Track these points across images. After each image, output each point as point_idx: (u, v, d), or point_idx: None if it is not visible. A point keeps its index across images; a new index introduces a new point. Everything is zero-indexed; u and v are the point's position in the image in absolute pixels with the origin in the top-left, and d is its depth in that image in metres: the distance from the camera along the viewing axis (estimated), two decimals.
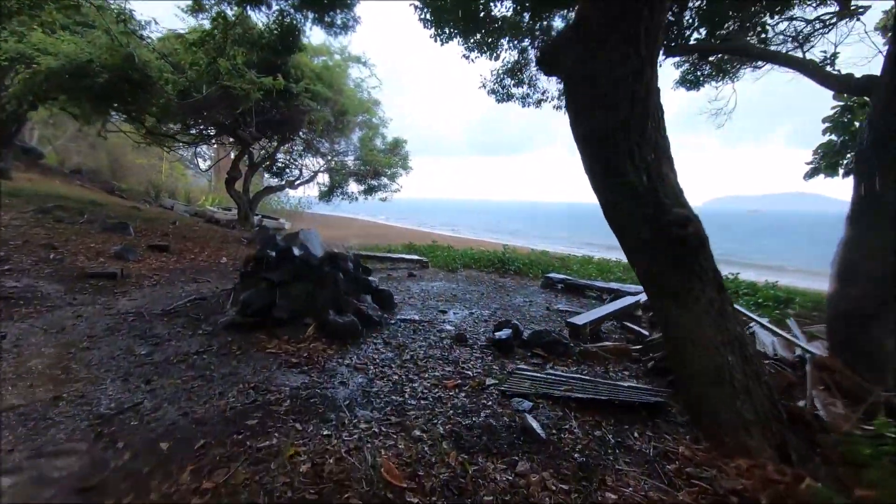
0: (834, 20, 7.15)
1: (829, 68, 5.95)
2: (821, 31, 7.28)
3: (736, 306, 3.89)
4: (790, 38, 6.87)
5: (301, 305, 4.88)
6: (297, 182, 18.12)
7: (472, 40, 8.21)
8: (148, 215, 13.93)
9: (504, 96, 10.00)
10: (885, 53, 4.26)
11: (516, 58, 9.19)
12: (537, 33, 8.55)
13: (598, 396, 3.42)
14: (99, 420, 2.83)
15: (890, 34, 5.95)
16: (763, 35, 6.70)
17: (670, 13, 6.19)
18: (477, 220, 75.48)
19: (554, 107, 10.33)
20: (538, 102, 10.17)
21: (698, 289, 2.85)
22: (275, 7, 9.03)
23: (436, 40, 7.36)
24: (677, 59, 8.37)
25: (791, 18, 7.28)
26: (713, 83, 8.94)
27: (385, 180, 17.49)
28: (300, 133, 15.97)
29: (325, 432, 2.76)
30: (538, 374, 3.96)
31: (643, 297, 7.06)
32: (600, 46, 2.51)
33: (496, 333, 4.86)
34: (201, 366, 3.73)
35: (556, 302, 7.71)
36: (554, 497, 2.30)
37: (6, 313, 4.71)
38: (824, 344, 5.46)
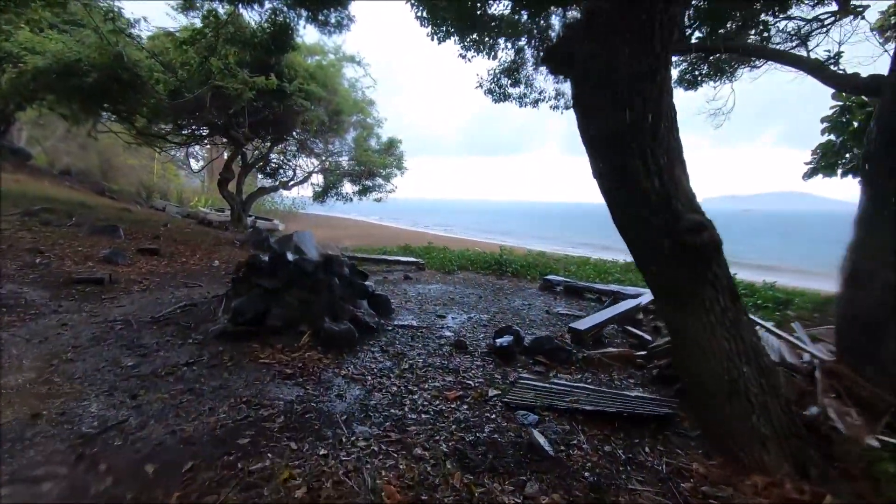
0: (832, 20, 7.08)
1: (833, 68, 5.85)
2: (818, 30, 7.20)
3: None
4: (792, 37, 6.77)
5: (295, 313, 4.72)
6: (291, 183, 17.91)
7: (468, 39, 8.07)
8: (139, 217, 13.71)
9: (501, 96, 9.87)
10: (892, 53, 4.17)
11: (513, 57, 9.07)
12: (535, 32, 8.44)
13: (606, 409, 3.28)
14: (80, 440, 2.66)
15: None
16: (765, 34, 6.60)
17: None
18: (471, 220, 75.34)
19: (551, 107, 10.21)
20: (535, 102, 10.05)
21: (712, 297, 2.72)
22: (267, 5, 8.83)
23: (432, 38, 7.21)
24: (676, 58, 8.27)
25: (788, 18, 7.19)
26: (711, 83, 8.85)
27: (380, 181, 17.31)
28: (294, 133, 15.76)
29: (322, 452, 2.61)
30: (542, 384, 3.83)
31: (644, 300, 6.95)
32: (612, 43, 2.37)
33: (497, 340, 4.72)
34: (191, 378, 3.56)
35: (556, 305, 7.59)
36: None
37: None
38: (827, 347, 5.37)
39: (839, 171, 8.19)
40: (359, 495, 2.23)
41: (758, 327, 5.53)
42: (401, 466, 2.52)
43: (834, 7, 7.00)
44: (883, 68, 4.67)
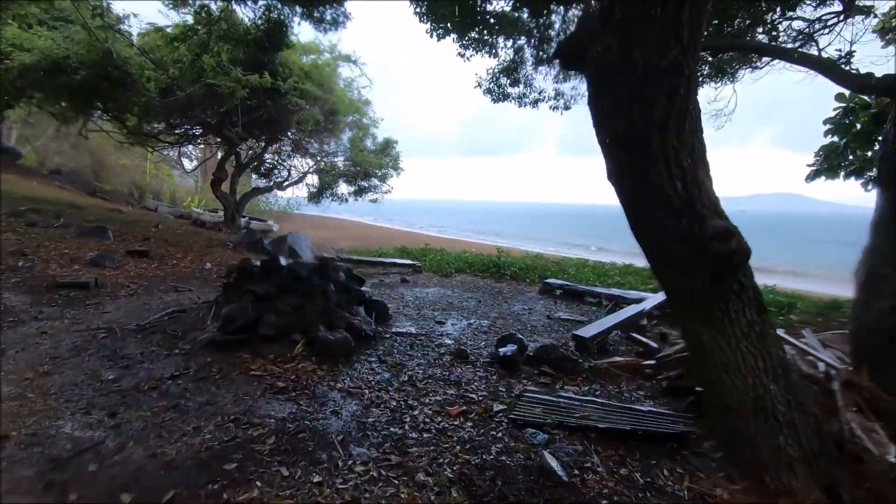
0: (835, 20, 6.94)
1: (845, 67, 5.69)
2: (820, 31, 7.07)
3: None
4: (800, 36, 6.62)
5: (289, 320, 4.50)
6: (286, 183, 17.67)
7: (467, 38, 7.89)
8: (129, 218, 13.41)
9: (500, 96, 9.69)
10: None
11: (512, 56, 8.90)
12: (535, 32, 8.26)
13: (621, 426, 3.08)
14: (51, 465, 2.43)
15: None
16: (774, 33, 6.44)
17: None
18: (465, 221, 75.20)
19: (550, 107, 10.05)
20: (535, 102, 9.88)
21: (737, 309, 2.53)
22: (261, 2, 8.62)
23: (431, 35, 7.01)
24: None
25: (790, 19, 7.05)
26: (712, 84, 8.69)
27: (375, 181, 17.10)
28: (289, 133, 15.51)
29: (316, 479, 2.39)
30: (549, 397, 3.62)
31: (647, 306, 6.77)
32: (633, 34, 2.18)
33: (500, 349, 4.51)
34: (175, 393, 3.32)
35: (557, 309, 7.40)
36: None
37: None
38: (836, 354, 5.20)
39: (842, 174, 8.07)
40: None
41: None
42: (402, 495, 2.31)
43: (838, 7, 6.86)
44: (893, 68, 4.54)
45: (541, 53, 8.80)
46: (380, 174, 16.90)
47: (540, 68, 9.19)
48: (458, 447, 2.83)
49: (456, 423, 3.18)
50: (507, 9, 7.39)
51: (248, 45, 9.71)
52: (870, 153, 6.85)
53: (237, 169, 16.29)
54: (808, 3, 6.64)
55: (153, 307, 5.53)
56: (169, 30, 9.90)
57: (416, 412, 3.30)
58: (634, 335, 5.84)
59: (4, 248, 7.07)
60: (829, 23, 6.95)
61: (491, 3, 7.20)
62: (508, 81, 9.38)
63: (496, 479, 2.49)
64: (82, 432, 2.75)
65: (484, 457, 2.73)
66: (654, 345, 5.43)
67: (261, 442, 2.73)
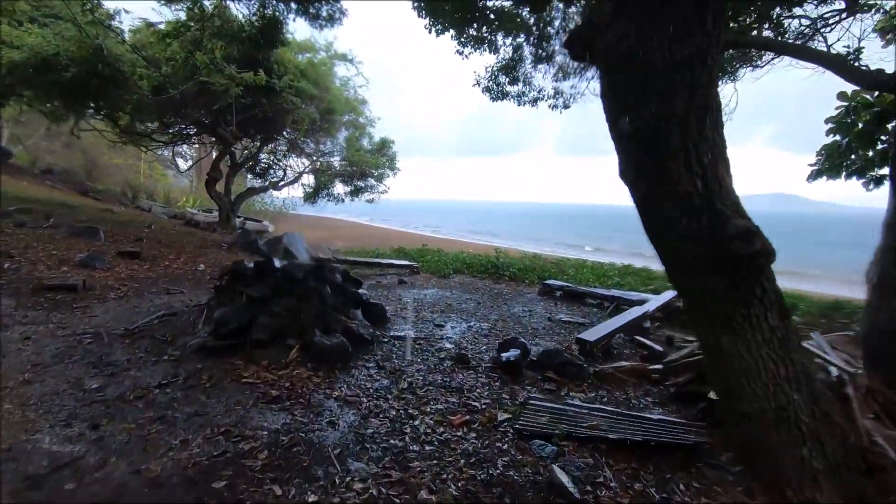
0: (837, 18, 6.84)
1: (854, 64, 5.57)
2: (822, 29, 6.97)
3: None
4: (808, 30, 6.50)
5: (283, 324, 4.32)
6: (281, 183, 17.45)
7: (465, 35, 7.75)
8: (122, 218, 13.19)
9: (499, 94, 9.55)
10: None
11: (511, 54, 8.77)
12: (534, 29, 8.14)
13: (632, 437, 2.93)
14: (26, 483, 2.25)
15: None
16: (780, 28, 6.32)
17: None
18: (461, 221, 75.08)
19: (549, 106, 9.92)
20: (534, 101, 9.74)
21: (759, 314, 2.37)
22: None
23: (430, 31, 6.85)
24: None
25: (792, 16, 6.95)
26: None
27: (372, 181, 16.91)
28: (284, 132, 15.31)
29: (311, 498, 2.22)
30: (556, 405, 3.47)
31: (651, 307, 6.64)
32: (652, 21, 2.02)
33: (503, 354, 4.35)
34: (163, 403, 3.15)
35: (557, 311, 7.26)
36: None
37: None
38: (842, 357, 5.08)
39: (843, 174, 7.97)
40: None
41: None
42: None
43: (841, 5, 6.76)
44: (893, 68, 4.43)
45: (540, 51, 8.67)
46: (376, 174, 16.72)
47: (539, 66, 9.06)
48: (462, 461, 2.67)
49: (459, 433, 3.02)
50: (508, 4, 7.25)
51: (242, 43, 9.53)
52: (871, 152, 6.75)
53: (232, 168, 16.07)
54: (810, 1, 6.54)
55: (143, 310, 5.35)
56: (161, 26, 9.71)
57: (416, 422, 3.14)
58: (638, 338, 5.71)
59: None
60: (831, 21, 6.85)
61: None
62: (507, 79, 9.24)
63: (504, 497, 2.34)
64: (61, 446, 2.57)
65: (490, 471, 2.57)
66: (658, 348, 5.30)
67: (252, 457, 2.56)
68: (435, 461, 2.65)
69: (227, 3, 8.84)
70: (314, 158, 17.08)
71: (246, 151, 16.92)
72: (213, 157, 15.90)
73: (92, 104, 11.95)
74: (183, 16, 9.30)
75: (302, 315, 4.45)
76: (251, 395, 3.34)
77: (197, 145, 19.94)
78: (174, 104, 11.21)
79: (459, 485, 2.42)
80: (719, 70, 8.37)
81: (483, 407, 3.46)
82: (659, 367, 4.50)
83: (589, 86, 9.30)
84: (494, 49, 7.82)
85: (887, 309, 3.93)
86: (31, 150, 22.17)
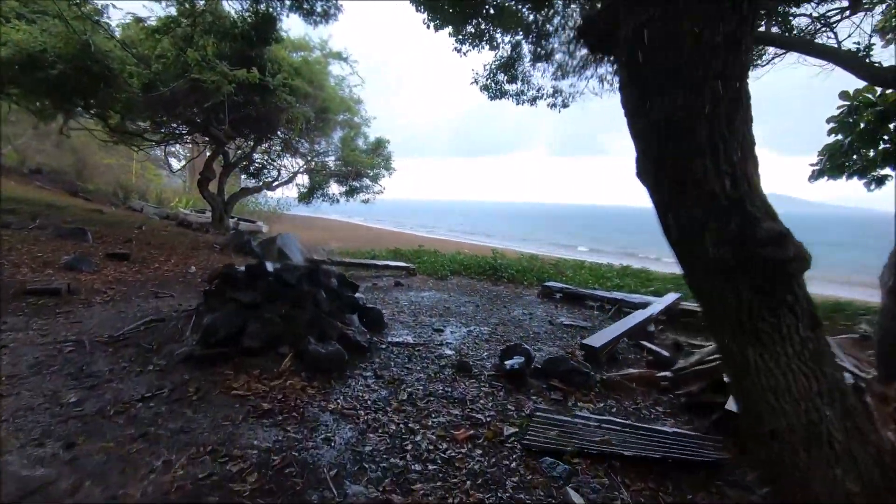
0: (839, 16, 6.73)
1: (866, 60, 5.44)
2: (824, 28, 6.85)
3: None
4: (817, 25, 6.37)
5: (276, 331, 4.11)
6: (276, 183, 17.20)
7: (463, 32, 7.58)
8: (112, 219, 12.91)
9: (497, 93, 9.40)
10: None
11: (510, 52, 8.61)
12: (533, 26, 7.98)
13: (649, 454, 2.75)
14: None
15: None
16: (787, 25, 6.18)
17: None
18: (455, 221, 74.95)
19: (548, 105, 9.77)
20: (533, 100, 9.60)
21: (790, 324, 2.19)
22: None
23: (428, 26, 6.66)
24: None
25: (793, 15, 6.83)
26: None
27: (367, 181, 16.70)
28: (278, 132, 15.06)
29: None
30: (564, 418, 3.28)
31: (655, 310, 6.48)
32: (683, 4, 1.84)
33: (506, 362, 4.15)
34: (145, 419, 2.93)
35: (558, 315, 7.08)
36: None
37: None
38: (851, 361, 4.95)
39: (845, 174, 7.85)
40: None
41: None
42: None
43: (844, 3, 6.65)
44: None
45: (539, 49, 8.52)
46: (371, 174, 16.52)
47: (538, 64, 8.92)
48: (468, 482, 2.47)
49: (463, 450, 2.82)
50: (507, 1, 7.08)
51: (234, 39, 9.31)
52: (872, 152, 6.63)
53: (225, 168, 15.81)
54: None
55: (129, 316, 5.12)
56: (152, 24, 9.46)
57: (418, 437, 2.94)
58: (643, 343, 5.54)
59: None
60: (833, 19, 6.74)
61: None
62: (506, 78, 9.09)
63: None
64: (31, 469, 2.36)
65: (499, 494, 2.38)
66: (664, 353, 5.14)
67: (241, 480, 2.36)
68: (439, 483, 2.45)
69: None
70: (309, 158, 16.85)
71: (239, 151, 16.67)
72: (207, 156, 15.63)
73: (81, 102, 11.67)
74: (173, 11, 9.06)
75: (296, 322, 4.25)
76: (241, 408, 3.13)
77: (190, 145, 19.66)
78: (165, 102, 10.94)
79: None
80: None
81: (488, 420, 3.27)
82: (667, 374, 4.32)
83: (588, 84, 9.17)
84: (494, 46, 7.64)
85: None
86: (20, 149, 21.76)
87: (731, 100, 1.91)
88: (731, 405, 3.33)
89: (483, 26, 7.44)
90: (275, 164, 17.43)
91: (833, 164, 7.95)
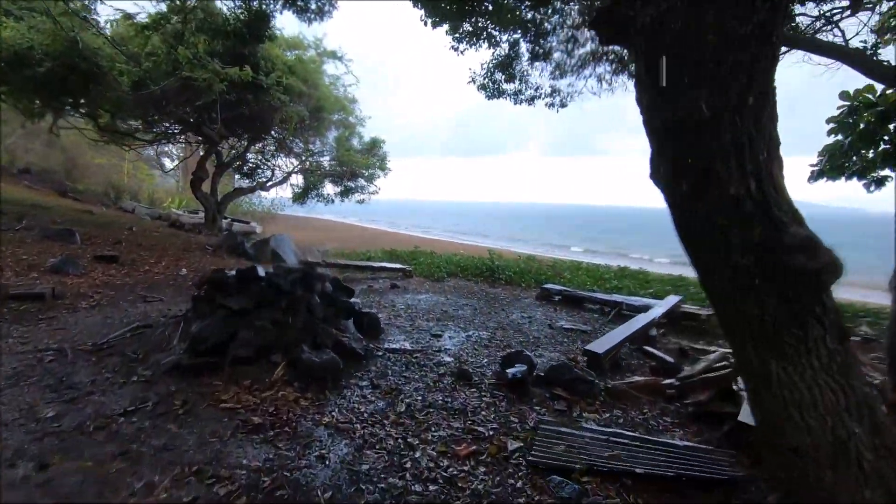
0: (839, 17, 6.64)
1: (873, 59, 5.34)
2: (826, 27, 6.77)
3: None
4: (822, 22, 6.27)
5: (268, 338, 3.94)
6: (270, 183, 16.98)
7: (461, 31, 7.43)
8: (102, 220, 12.65)
9: (495, 92, 9.28)
10: None
11: (508, 50, 8.48)
12: (530, 25, 7.86)
13: (663, 472, 2.60)
14: None
15: None
16: (793, 23, 6.08)
17: None
18: (450, 222, 74.77)
19: (546, 105, 9.65)
20: (531, 100, 9.48)
21: (817, 336, 2.05)
22: None
23: (426, 23, 6.51)
24: None
25: (796, 14, 6.74)
26: None
27: (362, 181, 16.53)
28: (272, 131, 14.85)
29: None
30: (570, 431, 3.13)
31: (657, 314, 6.35)
32: None
33: (508, 371, 3.99)
34: (127, 435, 2.75)
35: (558, 318, 6.95)
36: None
37: None
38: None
39: (845, 175, 7.77)
40: None
41: None
42: None
43: (845, 2, 6.56)
44: None
45: (537, 48, 8.39)
46: (367, 174, 16.35)
47: (536, 63, 8.79)
48: None
49: (466, 467, 2.66)
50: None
51: (226, 37, 9.12)
52: (872, 153, 6.55)
53: (218, 168, 15.56)
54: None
55: (115, 322, 4.93)
56: (144, 21, 9.24)
57: (417, 454, 2.78)
58: (646, 348, 5.41)
59: None
60: (835, 18, 6.65)
61: None
62: (504, 77, 8.96)
63: None
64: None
65: None
66: (668, 358, 5.01)
67: None
68: None
69: None
70: (303, 158, 16.64)
71: (233, 151, 16.43)
72: (199, 156, 15.39)
73: (70, 101, 11.42)
74: (164, 8, 8.86)
75: (288, 328, 4.07)
76: (230, 423, 2.96)
77: (183, 144, 19.38)
78: (156, 101, 10.72)
79: None
80: None
81: (490, 433, 3.11)
82: (674, 382, 4.18)
83: (587, 84, 9.06)
84: (493, 44, 7.50)
85: None
86: (9, 149, 21.38)
87: (759, 95, 1.77)
88: (744, 416, 3.19)
89: (481, 24, 7.30)
90: (269, 163, 17.22)
91: (833, 164, 7.86)
